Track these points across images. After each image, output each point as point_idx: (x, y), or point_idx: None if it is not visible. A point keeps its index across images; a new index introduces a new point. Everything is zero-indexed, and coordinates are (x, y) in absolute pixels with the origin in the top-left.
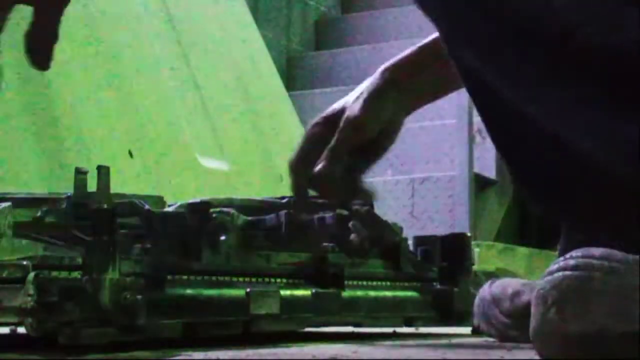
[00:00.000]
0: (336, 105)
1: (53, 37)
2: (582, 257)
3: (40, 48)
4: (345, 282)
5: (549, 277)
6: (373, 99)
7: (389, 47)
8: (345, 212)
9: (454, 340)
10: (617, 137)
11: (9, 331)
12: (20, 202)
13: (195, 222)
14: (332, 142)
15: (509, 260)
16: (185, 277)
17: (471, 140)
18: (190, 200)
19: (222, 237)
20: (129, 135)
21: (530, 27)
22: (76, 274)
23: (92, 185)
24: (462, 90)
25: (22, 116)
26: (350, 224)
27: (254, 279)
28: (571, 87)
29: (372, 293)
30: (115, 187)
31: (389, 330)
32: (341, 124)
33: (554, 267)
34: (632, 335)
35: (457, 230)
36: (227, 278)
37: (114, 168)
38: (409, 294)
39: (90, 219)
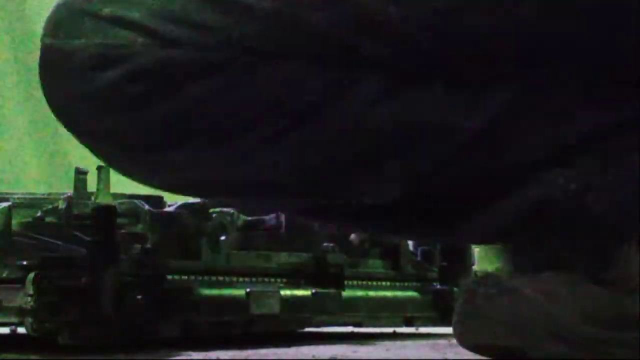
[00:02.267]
0: None
1: None
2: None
3: None
4: (345, 282)
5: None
6: None
7: None
8: None
9: (454, 341)
10: None
11: (9, 331)
12: (20, 202)
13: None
14: None
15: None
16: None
17: None
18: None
19: (222, 237)
20: None
21: None
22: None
23: (92, 186)
24: None
25: (22, 116)
26: None
27: (254, 279)
28: None
29: (372, 293)
30: (115, 187)
31: (389, 330)
32: None
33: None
34: None
35: None
36: (227, 278)
37: None
38: (409, 294)
39: (90, 218)
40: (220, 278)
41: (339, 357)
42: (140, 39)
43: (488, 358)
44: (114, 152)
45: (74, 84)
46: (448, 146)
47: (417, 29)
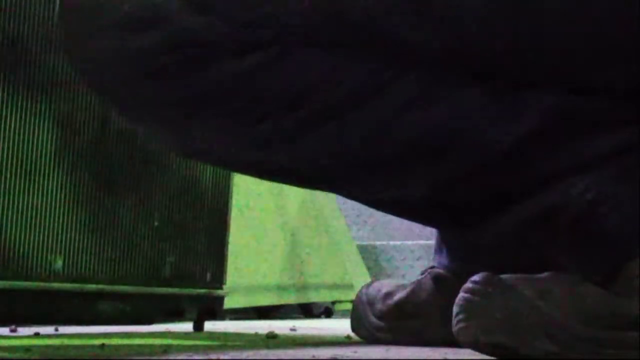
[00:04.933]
0: None
1: None
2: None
3: None
4: None
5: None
6: None
7: None
8: None
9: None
10: None
11: (9, 331)
12: None
13: None
14: None
15: None
16: None
17: None
18: None
19: None
20: None
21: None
22: None
23: None
24: None
25: None
26: None
27: None
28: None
29: None
30: None
31: None
32: None
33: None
34: None
35: None
36: None
37: None
38: None
39: None
40: None
41: (339, 357)
42: (176, 1)
43: (486, 356)
44: (137, 113)
45: (105, 43)
46: (482, 156)
47: (464, 13)
